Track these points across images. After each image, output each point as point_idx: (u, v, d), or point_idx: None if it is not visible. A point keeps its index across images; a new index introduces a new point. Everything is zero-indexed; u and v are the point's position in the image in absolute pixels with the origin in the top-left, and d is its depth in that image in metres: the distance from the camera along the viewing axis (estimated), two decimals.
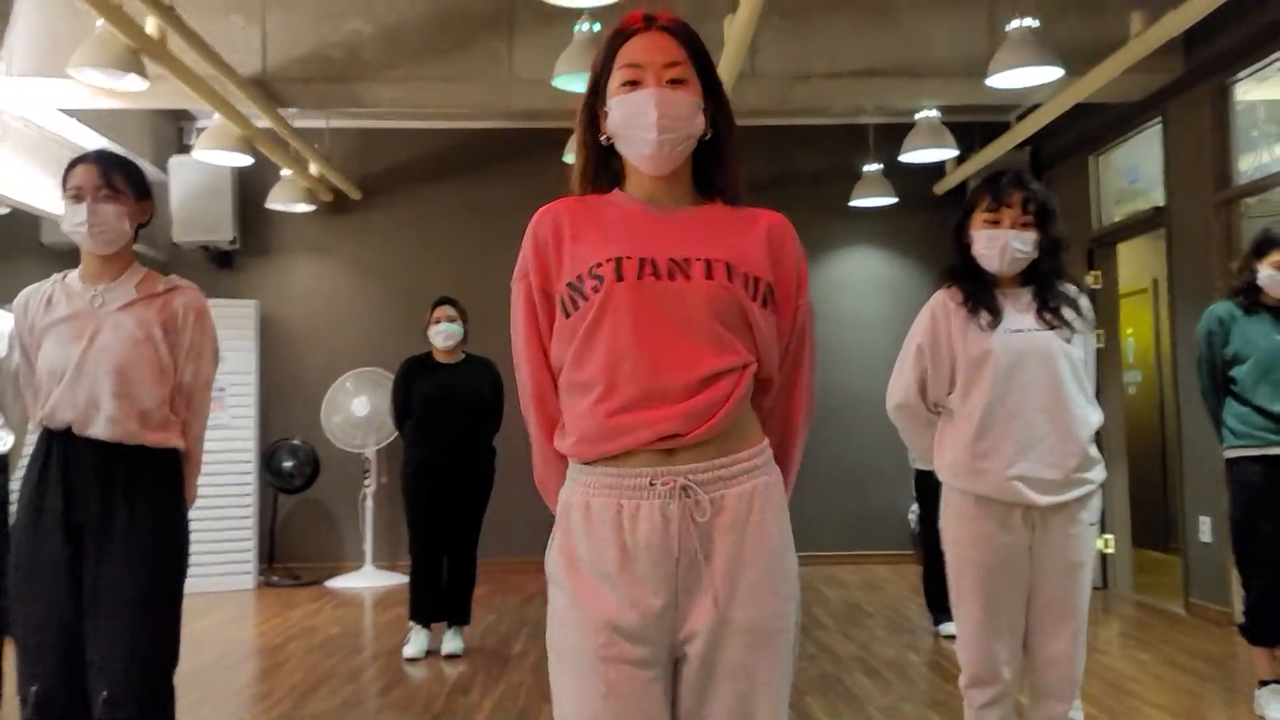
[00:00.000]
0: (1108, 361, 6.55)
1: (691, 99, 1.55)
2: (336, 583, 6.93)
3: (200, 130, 6.80)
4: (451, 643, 4.80)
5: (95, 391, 2.38)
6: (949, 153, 6.34)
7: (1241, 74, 5.15)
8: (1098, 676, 4.14)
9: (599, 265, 1.50)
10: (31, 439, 2.50)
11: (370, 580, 6.92)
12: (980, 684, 2.48)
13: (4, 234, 6.75)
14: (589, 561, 1.48)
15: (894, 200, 7.09)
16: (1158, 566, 6.72)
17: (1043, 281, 2.54)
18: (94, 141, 6.19)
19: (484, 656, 4.78)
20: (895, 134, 6.51)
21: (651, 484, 1.46)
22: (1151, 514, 7.22)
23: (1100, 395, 6.46)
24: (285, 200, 6.90)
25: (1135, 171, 6.29)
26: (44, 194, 5.80)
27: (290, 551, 7.27)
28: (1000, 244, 2.49)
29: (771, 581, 1.49)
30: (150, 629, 2.37)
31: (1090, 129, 6.50)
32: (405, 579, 5.05)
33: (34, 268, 6.41)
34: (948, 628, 4.87)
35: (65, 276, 2.51)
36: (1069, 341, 2.50)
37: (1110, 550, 6.42)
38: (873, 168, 7.09)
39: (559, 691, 1.52)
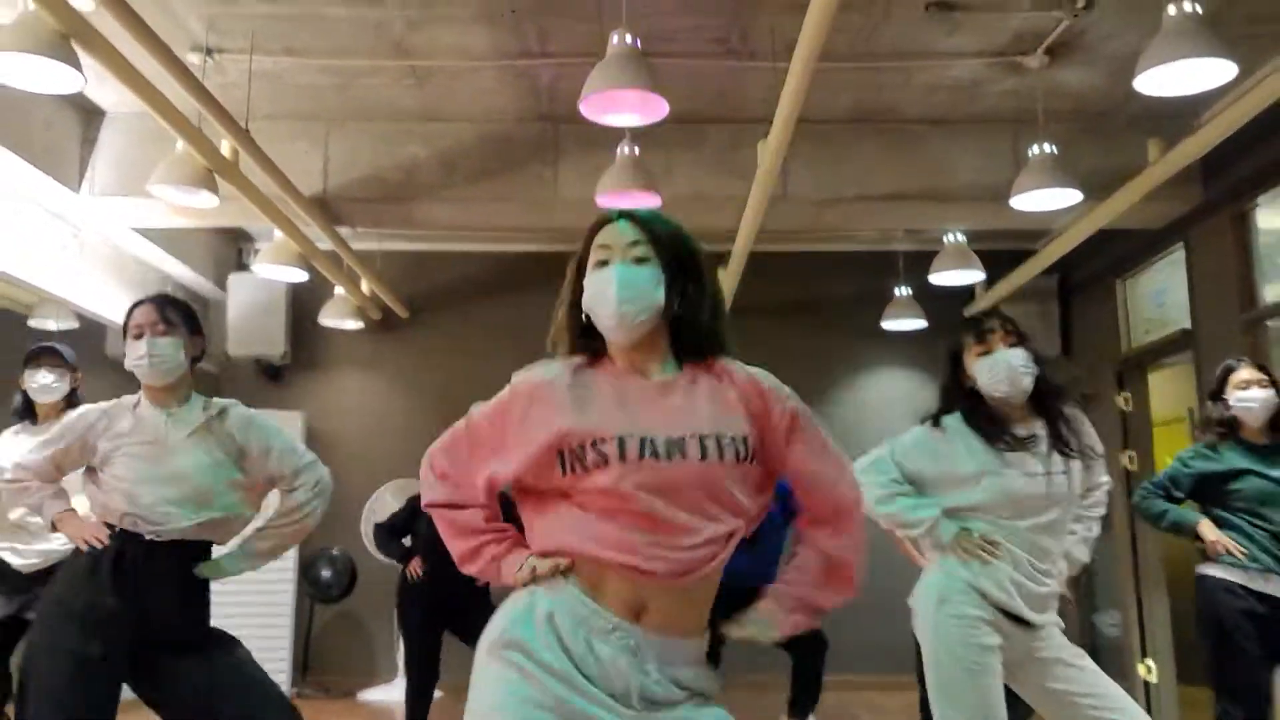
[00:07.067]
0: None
1: (652, 274, 1.70)
2: (368, 695, 6.91)
3: (257, 251, 7.18)
4: None
5: None
6: (976, 275, 6.49)
7: (1260, 198, 5.33)
8: None
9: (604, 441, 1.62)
10: None
11: (402, 693, 6.88)
12: None
13: (71, 345, 7.11)
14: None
15: (924, 324, 7.25)
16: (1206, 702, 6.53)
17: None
18: (162, 259, 6.57)
19: None
20: (923, 260, 6.71)
21: None
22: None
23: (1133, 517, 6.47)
24: (337, 317, 7.21)
25: (1162, 295, 6.43)
26: (115, 307, 6.12)
27: (324, 662, 7.29)
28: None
29: None
30: None
31: (1115, 255, 6.69)
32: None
33: (97, 377, 6.69)
34: None
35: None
36: None
37: (1153, 679, 6.30)
38: (903, 291, 7.29)
39: None
